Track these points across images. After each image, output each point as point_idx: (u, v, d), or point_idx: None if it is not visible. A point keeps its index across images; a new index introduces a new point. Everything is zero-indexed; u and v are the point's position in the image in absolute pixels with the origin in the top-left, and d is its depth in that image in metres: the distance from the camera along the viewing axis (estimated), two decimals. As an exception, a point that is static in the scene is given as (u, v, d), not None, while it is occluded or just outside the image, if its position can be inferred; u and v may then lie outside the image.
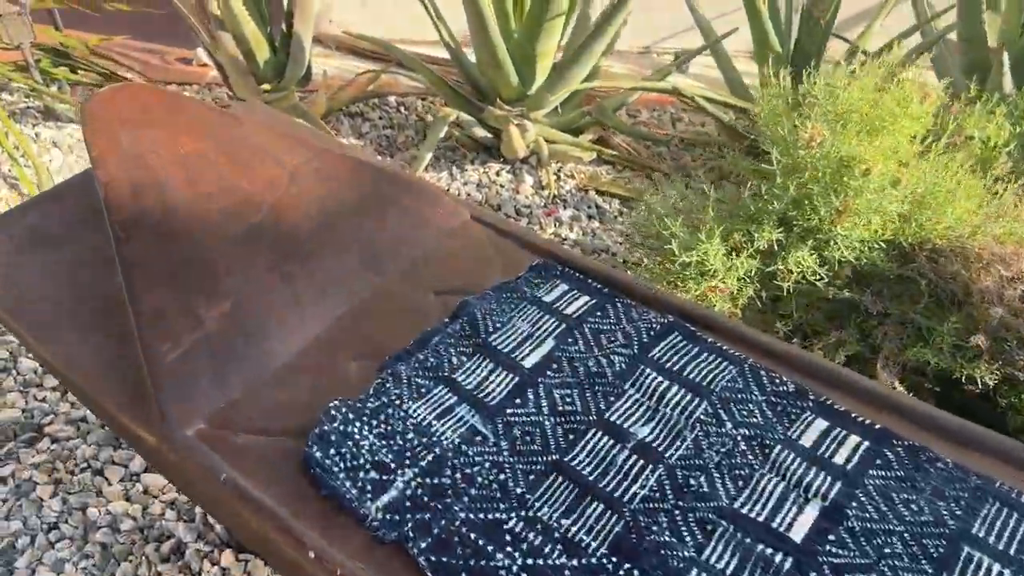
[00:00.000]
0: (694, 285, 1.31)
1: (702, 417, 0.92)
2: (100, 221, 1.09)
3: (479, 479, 0.86)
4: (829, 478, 0.84)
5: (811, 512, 0.82)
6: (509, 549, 0.79)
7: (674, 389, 0.95)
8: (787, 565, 0.76)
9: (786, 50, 2.10)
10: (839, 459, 0.86)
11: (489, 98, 2.17)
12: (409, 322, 1.10)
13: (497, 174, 2.23)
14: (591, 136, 2.31)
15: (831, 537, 0.79)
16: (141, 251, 1.03)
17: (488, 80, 2.12)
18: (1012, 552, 0.76)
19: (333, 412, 0.93)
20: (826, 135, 1.25)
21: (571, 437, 0.90)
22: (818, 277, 1.30)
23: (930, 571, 0.75)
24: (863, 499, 0.82)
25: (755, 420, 0.91)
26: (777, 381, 0.96)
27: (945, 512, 0.80)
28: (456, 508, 0.83)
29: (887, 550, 0.77)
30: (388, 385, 0.98)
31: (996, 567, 0.75)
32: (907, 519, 0.80)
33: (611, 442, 0.90)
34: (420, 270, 1.20)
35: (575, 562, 0.77)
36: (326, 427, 0.91)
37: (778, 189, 1.30)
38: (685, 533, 0.79)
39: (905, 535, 0.78)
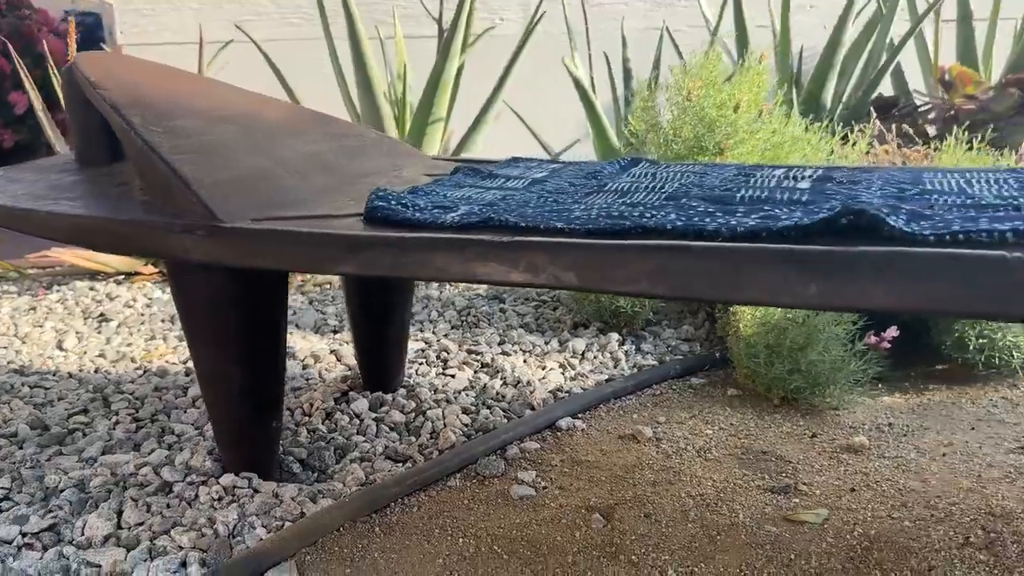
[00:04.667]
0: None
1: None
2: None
3: (533, 201, 0.97)
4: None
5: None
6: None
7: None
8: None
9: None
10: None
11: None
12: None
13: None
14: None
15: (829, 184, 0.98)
16: (166, 135, 1.09)
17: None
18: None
19: (381, 191, 1.00)
20: (700, 88, 1.60)
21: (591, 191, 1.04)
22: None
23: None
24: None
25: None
26: None
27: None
28: (525, 211, 0.93)
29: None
30: (418, 190, 1.07)
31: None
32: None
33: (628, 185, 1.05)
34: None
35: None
36: (380, 192, 0.98)
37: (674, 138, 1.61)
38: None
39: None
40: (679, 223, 0.81)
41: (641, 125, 1.77)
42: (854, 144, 1.72)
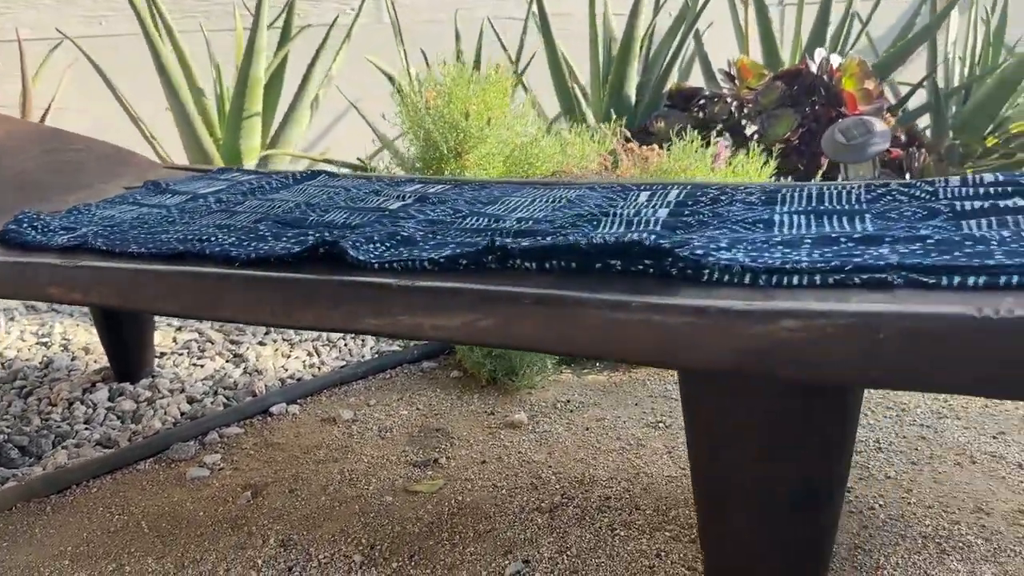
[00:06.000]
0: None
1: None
2: None
3: (154, 222, 1.11)
4: None
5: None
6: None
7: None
8: None
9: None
10: None
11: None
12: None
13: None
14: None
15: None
16: None
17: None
18: None
19: (22, 214, 1.14)
20: (440, 96, 1.74)
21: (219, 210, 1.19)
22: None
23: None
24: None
25: None
26: None
27: None
28: (130, 233, 1.07)
29: None
30: (75, 209, 1.21)
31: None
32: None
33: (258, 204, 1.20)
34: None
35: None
36: (19, 215, 1.12)
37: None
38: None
39: None
40: (216, 248, 0.95)
41: (405, 124, 1.91)
42: (585, 144, 1.87)
